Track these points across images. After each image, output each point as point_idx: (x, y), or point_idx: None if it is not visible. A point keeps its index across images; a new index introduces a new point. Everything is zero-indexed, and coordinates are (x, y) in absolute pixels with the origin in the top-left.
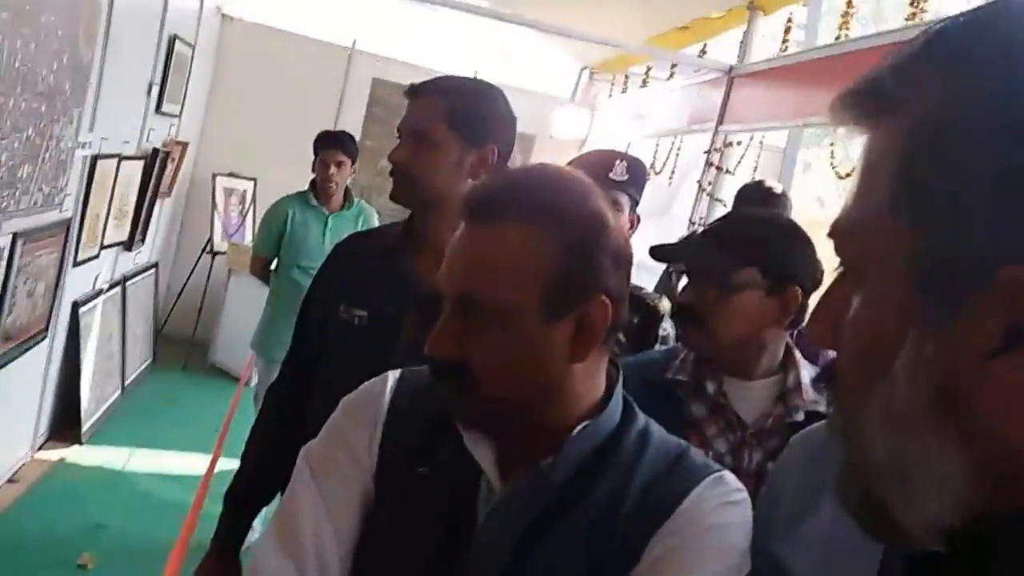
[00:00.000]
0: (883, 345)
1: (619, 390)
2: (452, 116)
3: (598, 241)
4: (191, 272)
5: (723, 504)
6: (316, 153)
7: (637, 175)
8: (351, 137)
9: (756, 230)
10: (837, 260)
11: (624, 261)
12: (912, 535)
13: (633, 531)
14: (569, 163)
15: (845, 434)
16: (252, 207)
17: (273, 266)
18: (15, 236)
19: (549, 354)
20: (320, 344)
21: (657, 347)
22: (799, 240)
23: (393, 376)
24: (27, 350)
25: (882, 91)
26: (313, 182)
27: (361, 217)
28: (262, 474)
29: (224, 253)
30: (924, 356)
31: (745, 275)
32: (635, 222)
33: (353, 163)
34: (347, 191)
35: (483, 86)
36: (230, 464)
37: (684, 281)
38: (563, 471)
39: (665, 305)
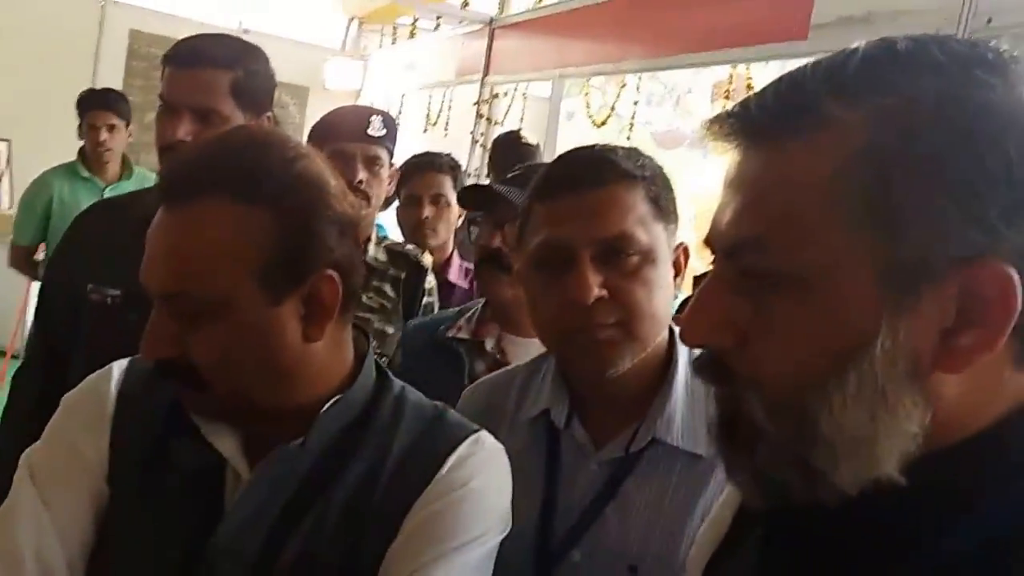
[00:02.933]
0: (853, 340)
1: (370, 359)
2: (237, 89)
3: (316, 209)
4: None
5: (483, 466)
6: (82, 116)
7: (392, 129)
8: (121, 95)
9: None
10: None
11: (350, 226)
12: (838, 491)
13: (392, 503)
14: (324, 118)
15: (789, 418)
16: (8, 169)
17: (41, 255)
18: None
19: (279, 339)
20: (71, 328)
21: (425, 300)
22: None
23: (119, 366)
24: None
25: (815, 109)
26: (82, 150)
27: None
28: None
29: None
30: (899, 340)
31: None
32: (394, 176)
33: (128, 125)
34: (124, 158)
35: (254, 48)
36: None
37: (478, 230)
38: (314, 451)
39: (428, 259)
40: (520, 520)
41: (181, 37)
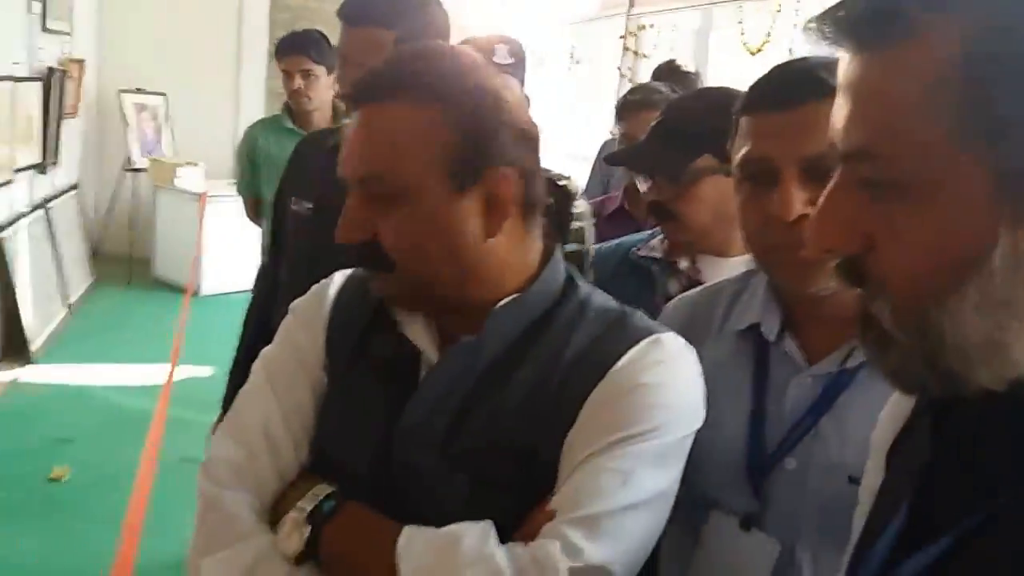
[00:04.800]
0: (970, 250)
1: (556, 264)
2: (399, 45)
3: (493, 114)
4: (115, 191)
5: (658, 363)
6: (279, 64)
7: (521, 57)
8: (319, 38)
9: (699, 117)
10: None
11: (529, 137)
12: (982, 388)
13: (567, 395)
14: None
15: (913, 326)
16: (168, 121)
17: None
18: None
19: (460, 229)
20: (283, 232)
21: (574, 224)
22: None
23: (342, 274)
24: None
25: (905, 16)
26: (288, 102)
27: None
28: (257, 343)
29: (145, 170)
30: (1020, 248)
31: (700, 164)
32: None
33: (331, 72)
34: (336, 109)
35: (423, 1)
36: (189, 372)
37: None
38: (492, 345)
39: (575, 184)
40: (728, 430)
41: None
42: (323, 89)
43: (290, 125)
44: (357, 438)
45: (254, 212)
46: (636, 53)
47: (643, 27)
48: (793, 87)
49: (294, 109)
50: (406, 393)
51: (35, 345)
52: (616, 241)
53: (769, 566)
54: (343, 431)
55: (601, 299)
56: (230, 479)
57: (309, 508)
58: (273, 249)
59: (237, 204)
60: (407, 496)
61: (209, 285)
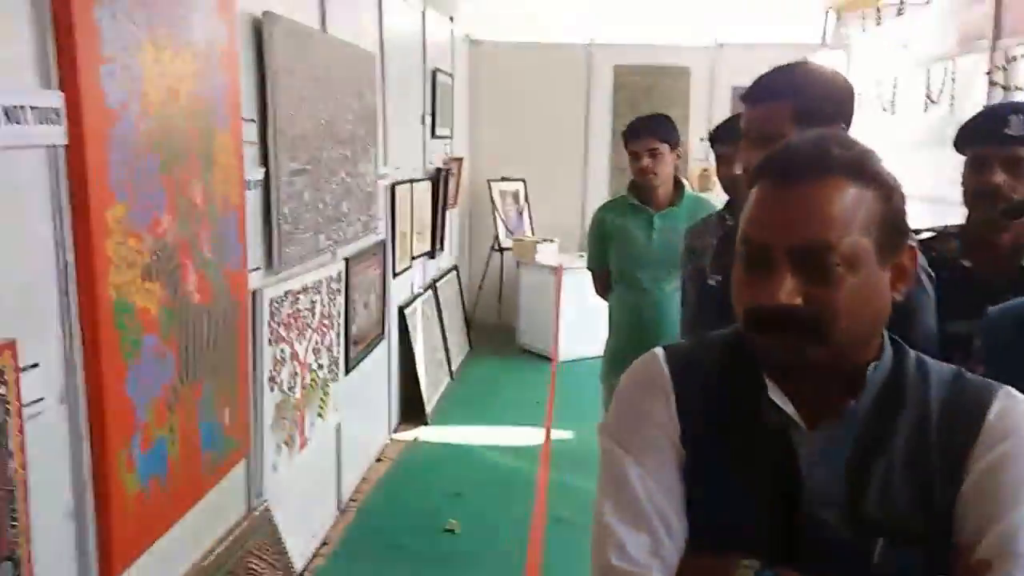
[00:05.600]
0: None
1: (884, 331)
2: (798, 117)
3: (902, 195)
4: (485, 269)
5: (1022, 414)
6: (626, 147)
7: None
8: (665, 119)
9: None
10: None
11: None
12: None
13: (948, 453)
14: (962, 128)
15: None
16: (527, 204)
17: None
18: (347, 260)
19: (885, 299)
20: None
21: None
22: None
23: (659, 351)
24: (371, 350)
25: None
26: (633, 181)
27: (698, 214)
28: None
29: (510, 249)
30: None
31: None
32: None
33: (674, 148)
34: (678, 183)
35: (819, 74)
36: (561, 435)
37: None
38: (865, 407)
39: None
40: None
41: (656, 63)
42: (667, 165)
43: (634, 201)
44: (755, 507)
45: (603, 286)
46: (1006, 87)
47: (1013, 59)
48: None
49: (640, 185)
50: (790, 459)
51: (428, 408)
52: (1009, 303)
53: None
54: (738, 501)
55: (928, 358)
56: (646, 559)
57: None
58: (690, 317)
59: (587, 275)
60: (811, 558)
61: (564, 351)
